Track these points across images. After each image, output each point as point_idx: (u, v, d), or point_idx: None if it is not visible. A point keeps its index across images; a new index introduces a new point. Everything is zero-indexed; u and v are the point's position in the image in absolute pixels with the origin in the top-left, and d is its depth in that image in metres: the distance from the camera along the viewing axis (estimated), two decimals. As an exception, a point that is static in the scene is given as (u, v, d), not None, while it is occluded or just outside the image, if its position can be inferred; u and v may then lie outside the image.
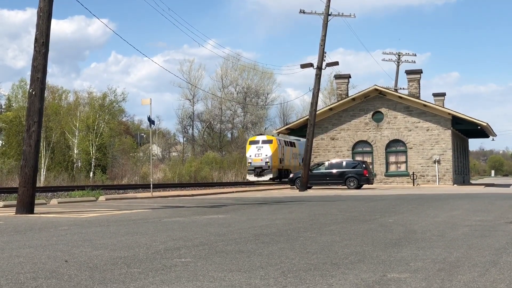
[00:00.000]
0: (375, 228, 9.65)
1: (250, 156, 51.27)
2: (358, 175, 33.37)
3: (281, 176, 53.15)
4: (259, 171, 50.28)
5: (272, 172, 50.47)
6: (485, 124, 39.16)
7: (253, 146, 51.80)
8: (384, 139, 40.54)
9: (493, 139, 50.13)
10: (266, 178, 50.12)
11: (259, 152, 50.62)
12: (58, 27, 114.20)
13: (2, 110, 64.59)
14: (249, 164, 51.45)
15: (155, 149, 78.57)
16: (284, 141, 54.58)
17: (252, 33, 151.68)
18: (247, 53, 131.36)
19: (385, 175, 40.54)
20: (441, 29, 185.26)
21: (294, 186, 33.90)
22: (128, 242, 7.86)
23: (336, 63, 32.92)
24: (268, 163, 50.02)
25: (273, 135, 54.48)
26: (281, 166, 52.94)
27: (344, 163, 34.44)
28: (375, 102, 40.87)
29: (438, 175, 39.29)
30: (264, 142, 51.29)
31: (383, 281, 5.10)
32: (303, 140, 62.91)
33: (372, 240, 7.98)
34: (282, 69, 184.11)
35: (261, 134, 57.00)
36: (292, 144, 56.93)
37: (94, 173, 54.14)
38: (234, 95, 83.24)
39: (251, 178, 51.00)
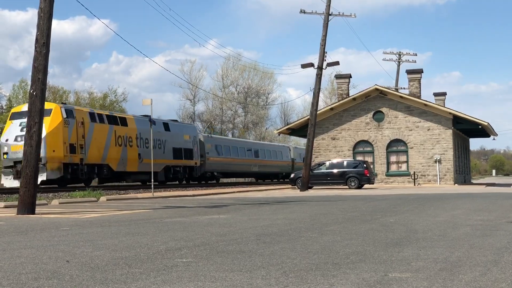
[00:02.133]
0: (376, 228, 9.64)
1: (7, 140, 28.67)
2: (359, 175, 33.39)
3: (77, 177, 29.97)
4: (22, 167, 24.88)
5: (47, 168, 27.63)
6: (486, 124, 39.13)
7: (16, 123, 28.86)
8: (385, 139, 40.53)
9: (494, 139, 50.06)
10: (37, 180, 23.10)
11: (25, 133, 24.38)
12: (59, 27, 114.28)
13: (3, 110, 64.58)
14: (4, 156, 28.76)
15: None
16: (92, 113, 31.40)
17: (253, 32, 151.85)
18: (248, 53, 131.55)
19: (386, 175, 40.52)
20: (442, 29, 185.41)
21: (295, 186, 33.92)
22: (129, 242, 7.86)
23: (337, 63, 32.94)
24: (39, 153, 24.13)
25: (59, 103, 31.15)
26: (77, 158, 29.45)
27: (345, 163, 34.45)
28: (376, 101, 40.87)
29: (439, 175, 39.27)
30: None
31: (384, 281, 5.10)
32: (160, 119, 39.04)
33: (373, 240, 7.97)
34: (283, 69, 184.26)
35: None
36: (118, 121, 33.05)
37: (95, 173, 54.00)
38: (235, 95, 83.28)
39: (8, 181, 28.64)
